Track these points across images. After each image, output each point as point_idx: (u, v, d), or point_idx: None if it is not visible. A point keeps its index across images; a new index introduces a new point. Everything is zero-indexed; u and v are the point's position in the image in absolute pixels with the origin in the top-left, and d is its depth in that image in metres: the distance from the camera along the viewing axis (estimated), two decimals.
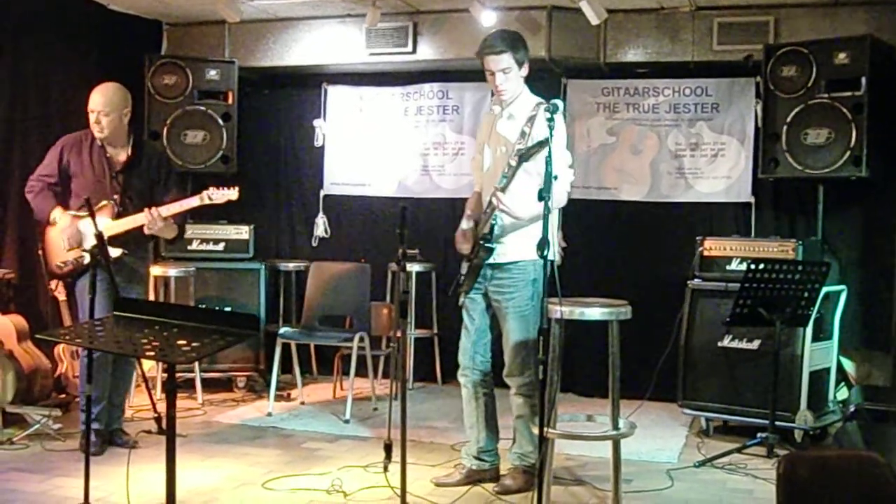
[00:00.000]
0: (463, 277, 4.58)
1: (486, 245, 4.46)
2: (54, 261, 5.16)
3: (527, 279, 4.48)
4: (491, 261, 4.49)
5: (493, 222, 4.44)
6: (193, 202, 5.06)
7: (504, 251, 4.48)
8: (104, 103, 5.07)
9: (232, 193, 5.09)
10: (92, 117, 5.08)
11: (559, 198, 4.42)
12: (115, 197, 5.07)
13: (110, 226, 4.98)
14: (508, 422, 4.72)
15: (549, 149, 3.96)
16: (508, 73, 4.47)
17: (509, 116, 4.55)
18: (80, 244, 5.06)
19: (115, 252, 4.96)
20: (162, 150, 5.71)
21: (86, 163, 5.14)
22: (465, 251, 4.62)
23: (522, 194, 4.39)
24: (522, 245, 4.44)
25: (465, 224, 4.67)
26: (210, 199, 5.06)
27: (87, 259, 5.04)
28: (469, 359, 4.66)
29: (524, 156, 4.34)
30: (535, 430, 4.50)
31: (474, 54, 4.61)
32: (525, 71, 4.54)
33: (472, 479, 4.69)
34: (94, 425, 4.98)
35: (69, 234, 5.10)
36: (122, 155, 5.17)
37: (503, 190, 4.40)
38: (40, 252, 5.21)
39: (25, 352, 5.74)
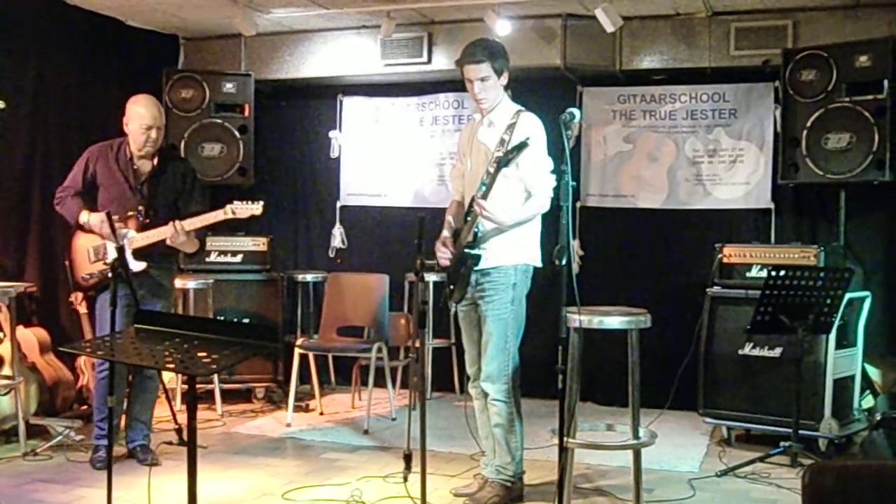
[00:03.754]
0: (451, 287, 4.56)
1: (472, 253, 4.43)
2: (80, 272, 5.16)
3: (507, 283, 4.46)
4: (475, 267, 4.48)
5: (476, 230, 4.43)
6: (218, 216, 5.01)
7: (486, 256, 4.46)
8: (158, 117, 5.08)
9: (256, 208, 5.03)
10: (150, 134, 5.03)
11: (542, 203, 4.46)
12: (140, 208, 5.05)
13: (135, 238, 4.98)
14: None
15: (567, 159, 3.93)
16: (487, 81, 4.46)
17: (489, 124, 4.55)
18: (105, 256, 5.07)
19: (140, 265, 4.98)
20: (187, 161, 5.61)
21: (113, 173, 5.11)
22: (444, 262, 4.59)
23: (502, 200, 4.40)
24: (504, 250, 4.46)
25: (446, 233, 4.67)
26: (234, 213, 5.01)
27: (111, 272, 5.08)
28: (476, 370, 4.63)
29: (502, 161, 4.34)
30: (514, 442, 4.50)
31: (454, 63, 4.62)
32: (504, 80, 4.53)
33: None
34: (105, 441, 4.95)
35: (95, 245, 5.11)
36: (147, 166, 5.15)
37: (484, 197, 4.37)
38: (67, 262, 5.22)
39: (48, 364, 5.78)
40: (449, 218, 4.72)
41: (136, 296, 4.58)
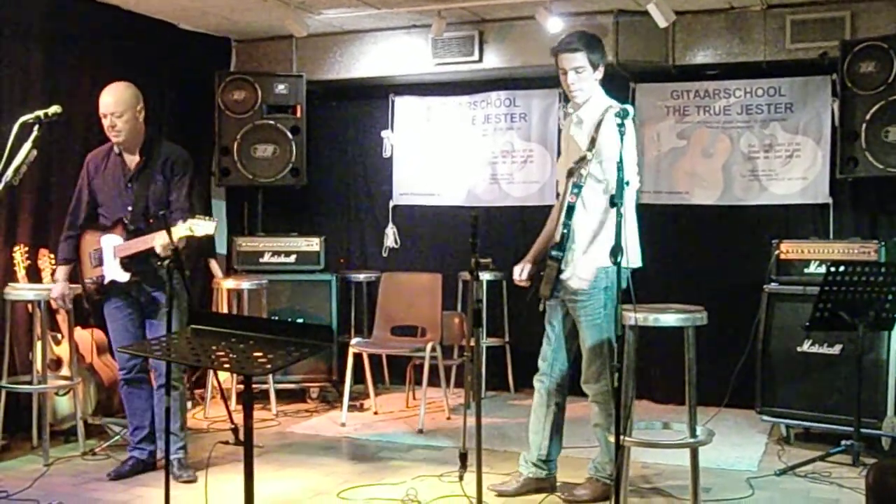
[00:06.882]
0: (537, 284, 4.53)
1: (552, 253, 4.40)
2: (84, 277, 5.00)
3: (598, 287, 4.37)
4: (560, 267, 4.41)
5: (564, 230, 4.39)
6: (179, 232, 4.49)
7: (574, 259, 4.40)
8: (115, 104, 4.71)
9: (210, 226, 4.54)
10: (105, 122, 4.73)
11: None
12: (129, 209, 4.76)
13: (122, 246, 4.73)
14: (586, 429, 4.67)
15: (621, 154, 3.90)
16: (581, 72, 4.39)
17: (578, 121, 4.50)
18: (101, 261, 4.86)
19: (125, 276, 4.77)
20: (180, 148, 5.03)
21: (106, 174, 4.86)
22: (519, 281, 4.58)
23: (589, 198, 4.36)
24: (593, 253, 4.36)
25: (532, 251, 4.65)
26: (192, 230, 4.53)
27: (106, 279, 4.85)
28: (547, 365, 4.61)
29: (571, 171, 4.35)
30: (611, 440, 4.46)
31: (550, 51, 4.53)
32: (599, 74, 4.46)
33: (529, 487, 4.63)
34: (135, 453, 4.99)
35: (94, 248, 4.90)
36: (134, 161, 4.82)
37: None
38: (79, 267, 5.08)
39: (105, 365, 5.87)
40: (547, 227, 4.67)
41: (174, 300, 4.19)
